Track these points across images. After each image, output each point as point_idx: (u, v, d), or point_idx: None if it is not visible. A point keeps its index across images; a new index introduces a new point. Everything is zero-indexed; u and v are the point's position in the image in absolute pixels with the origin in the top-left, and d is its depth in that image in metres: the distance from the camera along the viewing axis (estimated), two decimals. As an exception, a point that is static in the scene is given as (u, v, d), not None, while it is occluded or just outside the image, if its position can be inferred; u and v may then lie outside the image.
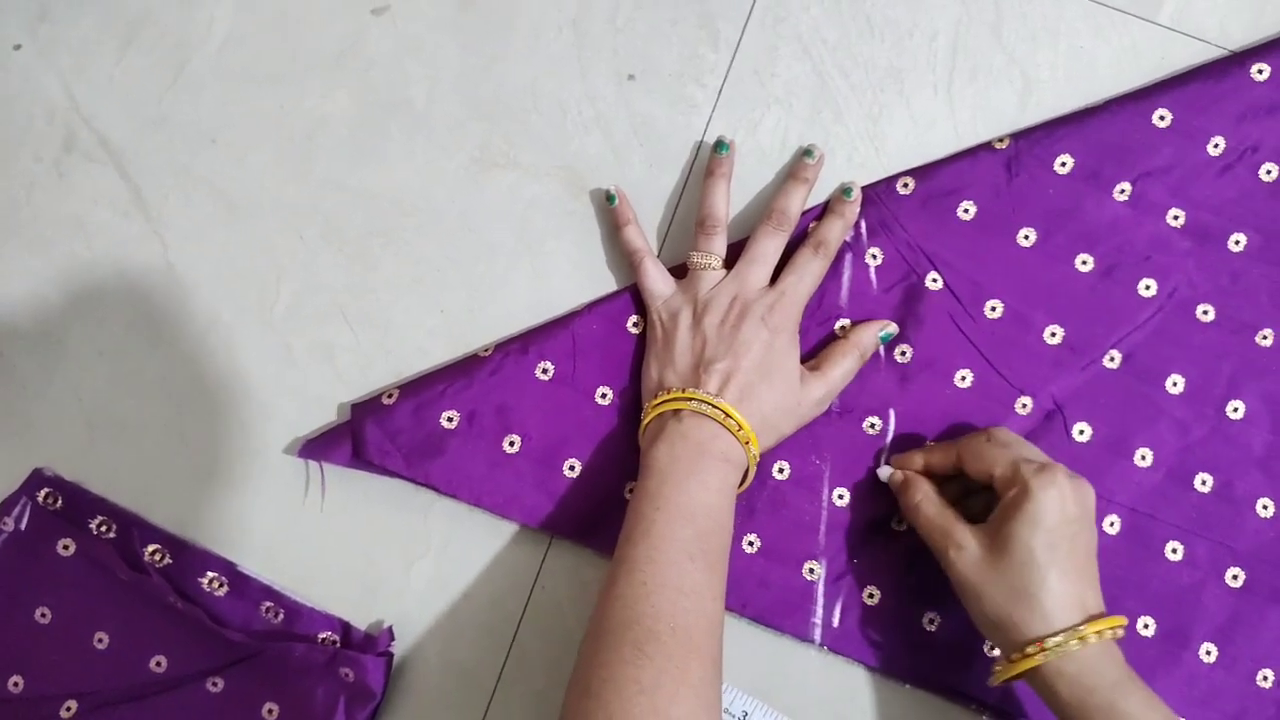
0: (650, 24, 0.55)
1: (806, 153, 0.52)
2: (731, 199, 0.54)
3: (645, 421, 0.49)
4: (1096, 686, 0.43)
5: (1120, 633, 0.44)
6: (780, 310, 0.49)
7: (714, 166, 0.52)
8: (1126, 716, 0.42)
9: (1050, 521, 0.44)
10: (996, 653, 0.52)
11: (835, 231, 0.52)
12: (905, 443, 0.53)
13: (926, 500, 0.49)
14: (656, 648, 0.41)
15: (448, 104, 0.55)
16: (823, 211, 0.53)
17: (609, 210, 0.53)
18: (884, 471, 0.52)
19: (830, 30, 0.55)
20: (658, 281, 0.52)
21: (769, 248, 0.51)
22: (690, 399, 0.47)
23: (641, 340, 0.53)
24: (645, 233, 0.53)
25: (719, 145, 0.52)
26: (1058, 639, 0.43)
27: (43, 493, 0.54)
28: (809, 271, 0.51)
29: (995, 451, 0.47)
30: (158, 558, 0.53)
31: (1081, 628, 0.43)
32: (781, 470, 0.53)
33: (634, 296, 0.53)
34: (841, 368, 0.51)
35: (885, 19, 0.54)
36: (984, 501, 0.49)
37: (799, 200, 0.52)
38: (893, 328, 0.52)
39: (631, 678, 0.41)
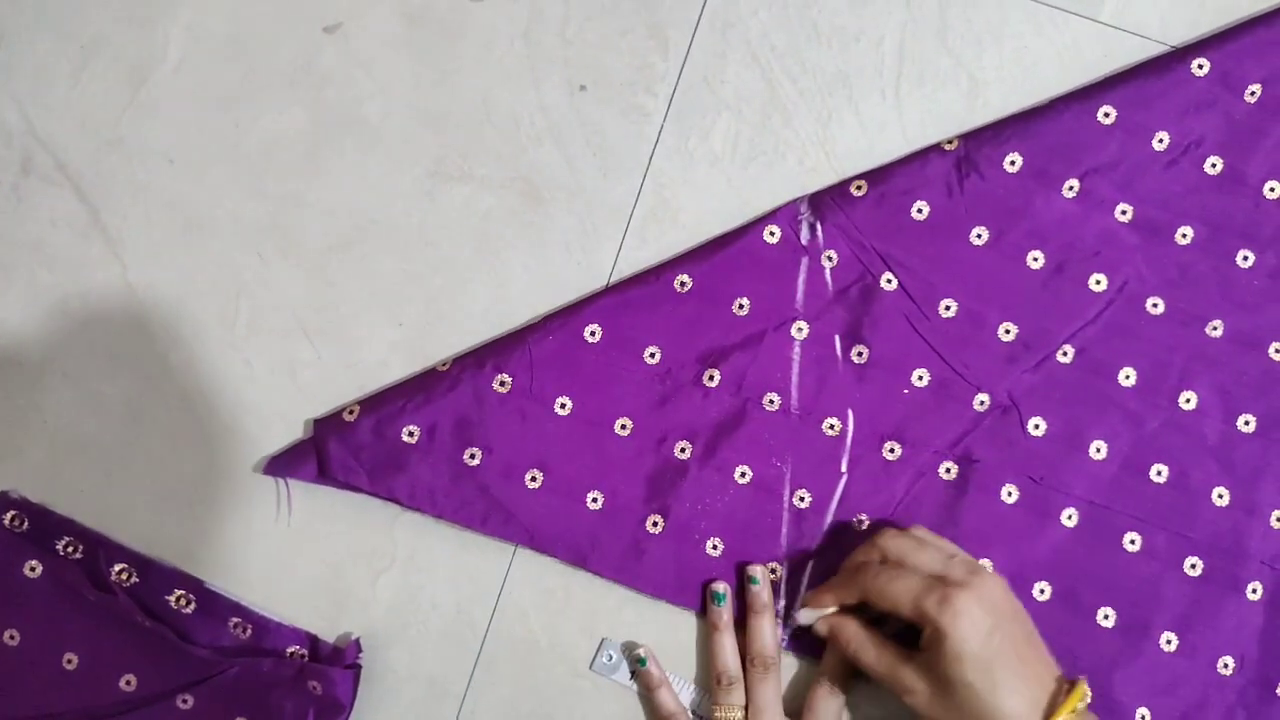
0: (600, 34, 0.55)
1: (750, 579, 0.52)
2: (689, 205, 0.55)
3: None
4: None
5: (1083, 706, 0.45)
6: None
7: (715, 620, 0.52)
8: None
9: (972, 649, 0.44)
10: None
11: (766, 633, 0.52)
12: (866, 444, 0.53)
13: (861, 647, 0.49)
14: None
15: (401, 119, 0.55)
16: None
17: (641, 672, 0.53)
18: (805, 616, 0.51)
19: (778, 37, 0.55)
20: None
21: (768, 694, 0.51)
22: None
23: (597, 350, 0.53)
24: (676, 694, 0.53)
25: (716, 597, 0.52)
26: None
27: (8, 515, 0.54)
28: (828, 711, 0.51)
29: (893, 589, 0.47)
30: (124, 577, 0.53)
31: None
32: (744, 475, 0.53)
33: (592, 307, 0.54)
34: None
35: (832, 25, 0.55)
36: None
37: (770, 632, 0.52)
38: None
39: None
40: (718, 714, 0.51)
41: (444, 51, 0.55)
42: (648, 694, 0.53)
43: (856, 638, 0.49)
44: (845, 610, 0.50)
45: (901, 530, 0.50)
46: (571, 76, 0.55)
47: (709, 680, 0.53)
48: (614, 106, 0.55)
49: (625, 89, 0.55)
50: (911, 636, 0.48)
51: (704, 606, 0.53)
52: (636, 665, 0.53)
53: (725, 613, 0.52)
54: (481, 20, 0.55)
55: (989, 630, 0.45)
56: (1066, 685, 0.46)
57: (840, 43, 0.55)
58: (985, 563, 0.52)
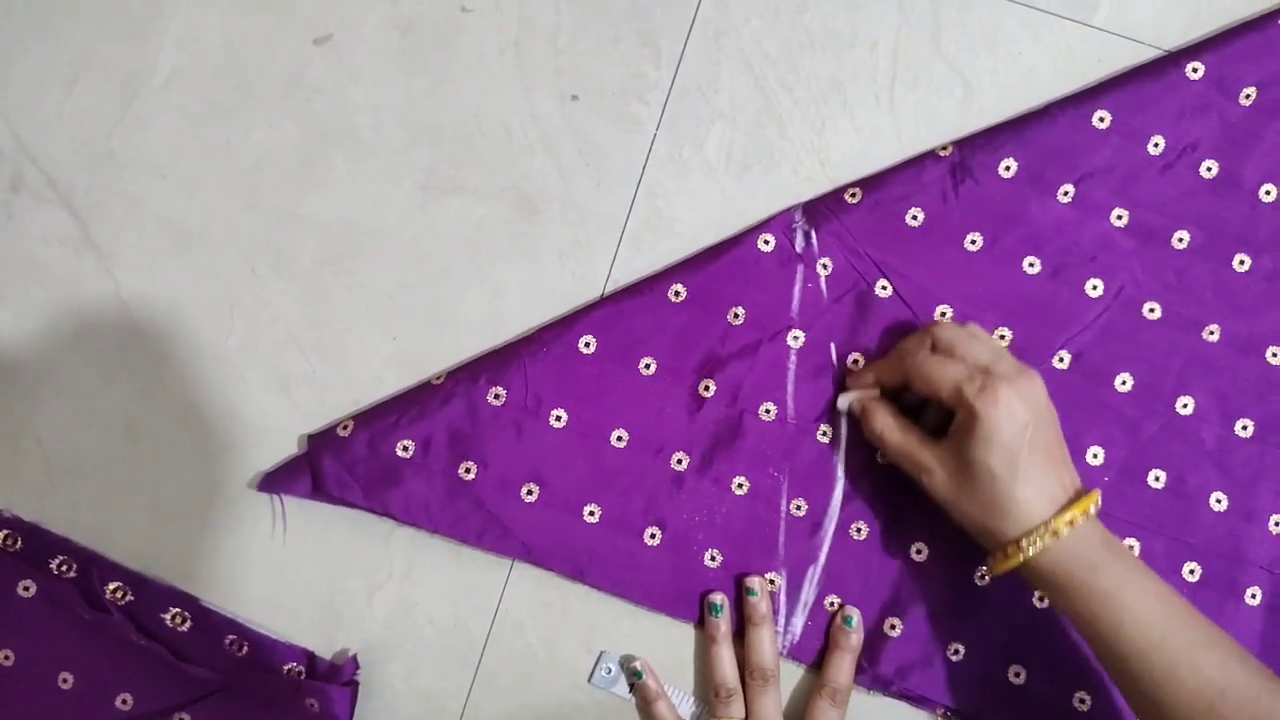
0: (592, 43, 0.55)
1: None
2: (683, 214, 0.54)
3: None
4: (1073, 572, 0.45)
5: (1093, 510, 0.45)
6: None
7: (713, 632, 0.52)
8: (1104, 594, 0.44)
9: (1003, 438, 0.45)
10: (959, 656, 0.52)
11: (846, 671, 0.52)
12: (862, 452, 0.53)
13: (888, 429, 0.50)
14: None
15: (393, 130, 0.55)
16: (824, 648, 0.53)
17: (639, 685, 0.53)
18: (843, 401, 0.52)
19: (771, 44, 0.55)
20: None
21: (768, 706, 0.51)
22: None
23: (592, 362, 0.53)
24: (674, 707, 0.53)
25: (713, 608, 0.52)
26: (1030, 538, 0.45)
27: (2, 534, 0.53)
28: None
29: (937, 371, 0.47)
30: (119, 595, 0.53)
31: (1052, 522, 0.45)
32: (740, 485, 0.53)
33: (585, 319, 0.53)
34: None
35: (825, 31, 0.55)
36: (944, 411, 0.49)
37: (770, 644, 0.52)
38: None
39: None
40: None
41: (435, 62, 0.55)
42: (645, 706, 0.53)
43: (885, 419, 0.50)
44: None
45: (958, 324, 0.50)
46: (563, 86, 0.55)
47: (707, 692, 0.52)
48: (607, 116, 0.55)
49: (618, 98, 0.55)
50: (941, 433, 0.49)
51: (702, 618, 0.53)
52: (633, 678, 0.53)
53: (723, 624, 0.52)
54: (472, 30, 0.55)
55: (1024, 424, 0.45)
56: (1083, 492, 0.46)
57: (834, 49, 0.55)
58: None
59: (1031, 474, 0.45)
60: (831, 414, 0.53)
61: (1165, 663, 0.43)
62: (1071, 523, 0.45)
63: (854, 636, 0.52)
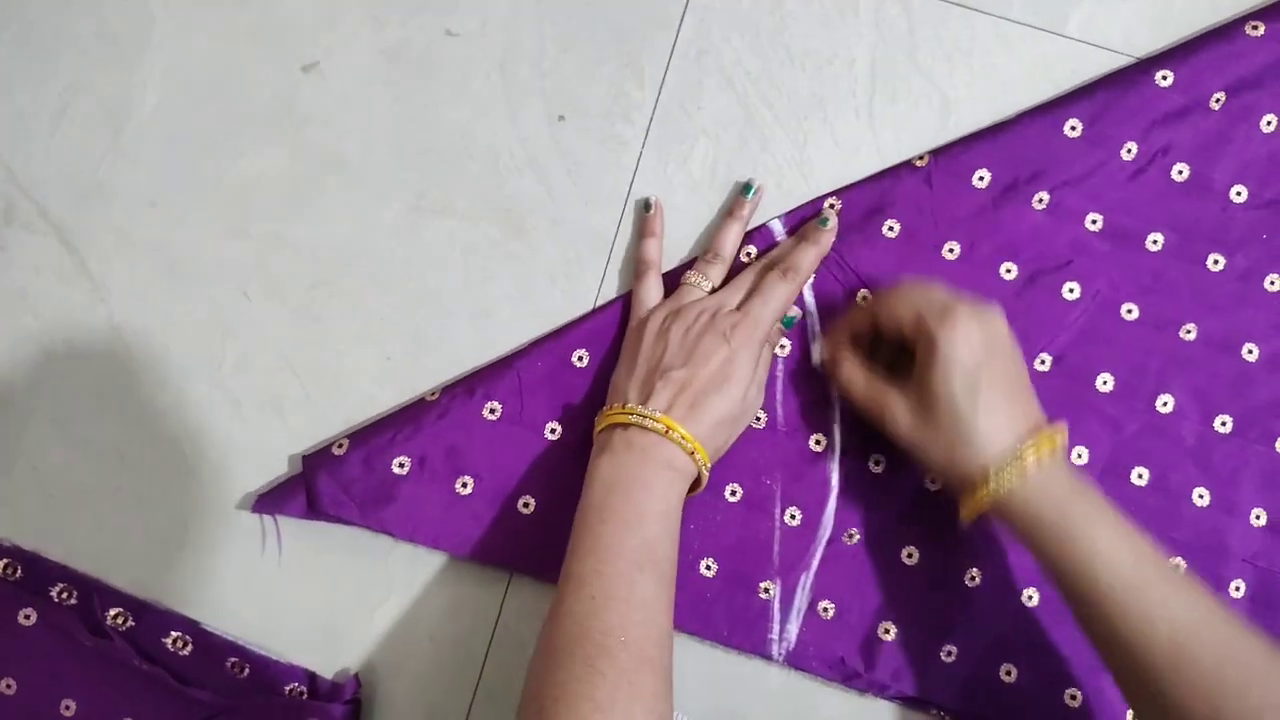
0: (576, 65, 0.56)
1: (822, 221, 0.54)
2: (670, 230, 0.55)
3: (596, 431, 0.50)
4: (1042, 513, 0.45)
5: (1059, 442, 0.46)
6: (743, 329, 0.50)
7: (735, 208, 0.54)
8: (1075, 536, 0.44)
9: (962, 364, 0.45)
10: (951, 658, 0.53)
11: (808, 258, 0.53)
12: (853, 458, 0.54)
13: (854, 376, 0.50)
14: (609, 663, 0.42)
15: (381, 155, 0.56)
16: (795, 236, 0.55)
17: (642, 217, 0.55)
18: (815, 354, 0.54)
19: (752, 62, 0.56)
20: (651, 292, 0.53)
21: (758, 283, 0.52)
22: (632, 413, 0.48)
23: (586, 374, 0.54)
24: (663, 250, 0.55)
25: (746, 188, 0.54)
26: (996, 471, 0.45)
27: (1, 563, 0.54)
28: (775, 295, 0.51)
29: (900, 306, 0.48)
30: (120, 621, 0.53)
31: (1021, 452, 0.45)
32: (734, 493, 0.54)
33: (578, 331, 0.54)
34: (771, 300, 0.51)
35: (804, 48, 0.56)
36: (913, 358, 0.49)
37: (809, 257, 0.53)
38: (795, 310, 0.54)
39: (585, 695, 0.41)
40: (689, 275, 0.53)
41: (421, 86, 0.56)
42: (637, 238, 0.55)
43: (851, 367, 0.51)
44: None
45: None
46: (549, 107, 0.56)
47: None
48: (593, 136, 0.56)
49: (603, 118, 0.56)
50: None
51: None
52: (642, 209, 0.55)
53: (747, 206, 0.54)
54: (458, 54, 0.56)
55: (983, 352, 0.46)
56: (1048, 428, 0.46)
57: (813, 65, 0.56)
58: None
59: (993, 403, 0.46)
60: (823, 422, 0.54)
61: (1138, 605, 0.43)
62: (1039, 454, 0.45)
63: (825, 236, 0.53)
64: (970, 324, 0.46)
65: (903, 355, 0.50)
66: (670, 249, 0.56)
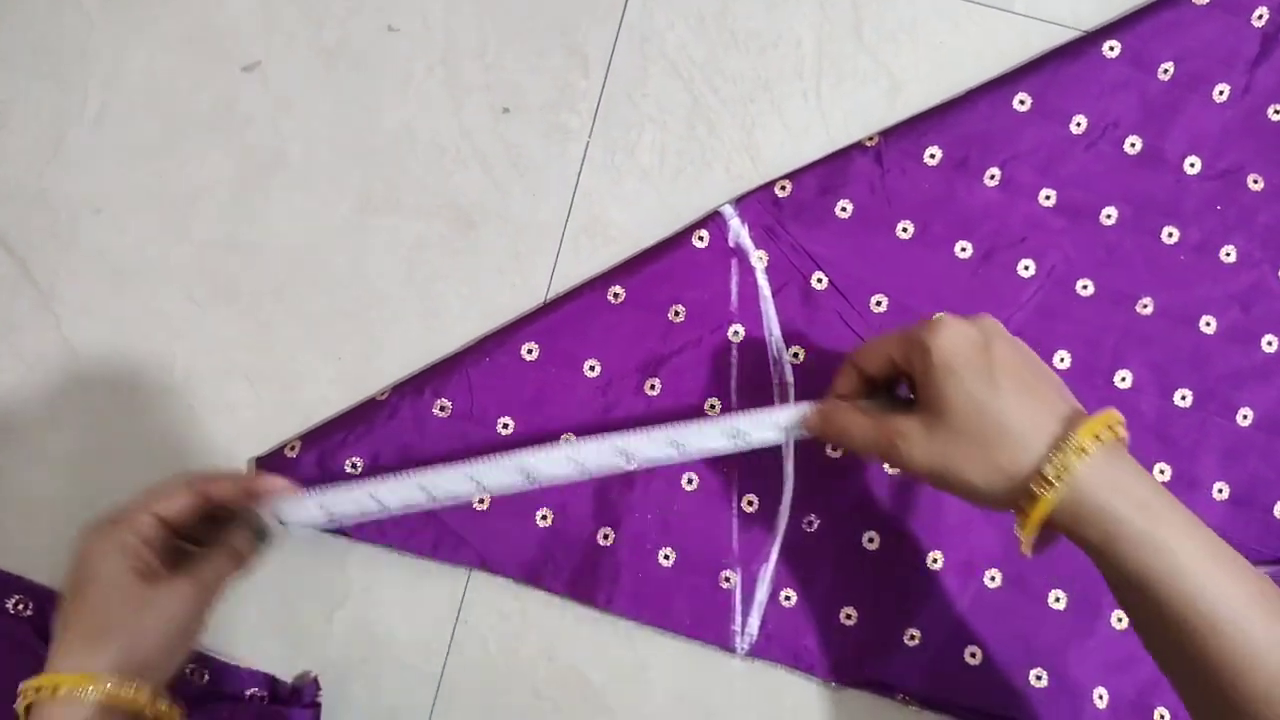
0: (518, 56, 0.56)
1: None
2: (620, 219, 0.55)
3: None
4: (1120, 512, 0.37)
5: (1121, 431, 0.38)
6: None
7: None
8: (1167, 548, 0.36)
9: (963, 358, 0.39)
10: (915, 642, 0.53)
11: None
12: (810, 444, 0.54)
13: (850, 420, 0.43)
14: None
15: (325, 154, 0.55)
16: None
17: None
18: (794, 432, 0.47)
19: (697, 48, 0.56)
20: None
21: None
22: None
23: (535, 367, 0.53)
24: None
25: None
26: (1053, 462, 0.37)
27: (-43, 578, 0.53)
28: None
29: (884, 340, 0.43)
30: (78, 632, 0.53)
31: (1076, 432, 0.37)
32: (690, 481, 0.54)
33: (527, 326, 0.54)
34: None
35: (748, 31, 0.56)
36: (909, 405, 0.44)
37: None
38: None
39: None
40: None
41: (363, 84, 0.56)
42: None
43: (843, 415, 0.44)
44: None
45: None
46: (493, 100, 0.56)
47: None
48: (538, 127, 0.56)
49: (548, 109, 0.56)
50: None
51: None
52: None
53: None
54: (398, 50, 0.56)
55: (979, 344, 0.39)
56: (1099, 413, 0.38)
57: (758, 48, 0.56)
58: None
59: (1017, 388, 0.38)
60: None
61: (1242, 642, 0.35)
62: (1099, 436, 0.37)
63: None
64: (960, 321, 0.40)
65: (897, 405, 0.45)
66: (622, 241, 0.55)
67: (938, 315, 0.42)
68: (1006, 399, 0.38)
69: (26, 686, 0.41)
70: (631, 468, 0.48)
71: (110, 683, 0.41)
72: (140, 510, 0.44)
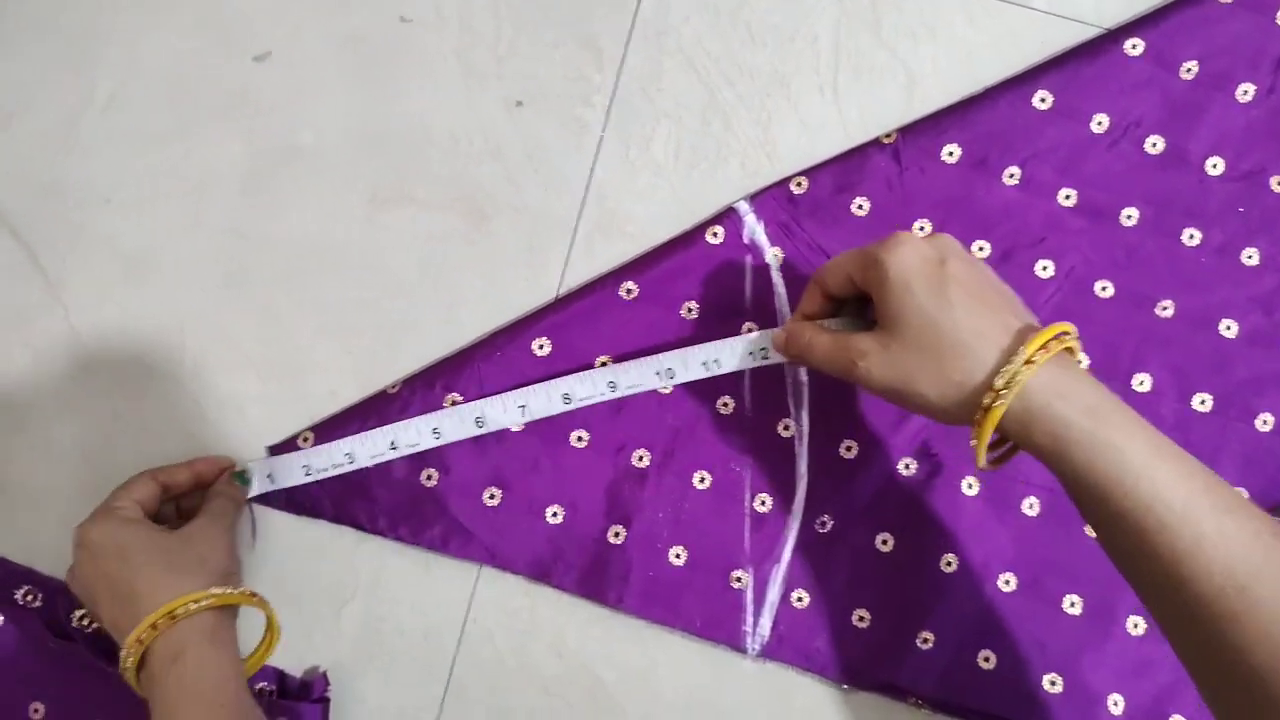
0: (533, 48, 0.55)
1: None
2: (634, 214, 0.54)
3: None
4: (1070, 414, 0.38)
5: (1071, 342, 0.40)
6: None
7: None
8: (1114, 448, 0.37)
9: (917, 273, 0.40)
10: (928, 645, 0.52)
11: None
12: (824, 444, 0.53)
13: (813, 339, 0.45)
14: None
15: (338, 145, 0.55)
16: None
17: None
18: (772, 354, 0.49)
19: (712, 42, 0.55)
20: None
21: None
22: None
23: (547, 364, 0.53)
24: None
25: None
26: (1003, 369, 0.38)
27: (-35, 568, 0.53)
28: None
29: (843, 261, 0.44)
30: (86, 623, 0.53)
31: (1025, 342, 0.38)
32: (703, 480, 0.53)
33: (540, 320, 0.53)
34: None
35: (765, 25, 0.55)
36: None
37: None
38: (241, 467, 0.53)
39: None
40: None
41: (377, 74, 0.55)
42: None
43: (806, 334, 0.45)
44: None
45: None
46: (508, 93, 0.55)
47: None
48: (552, 120, 0.55)
49: (562, 102, 0.55)
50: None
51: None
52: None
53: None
54: (413, 41, 0.55)
55: (933, 260, 0.40)
56: (1053, 325, 0.40)
57: (775, 43, 0.55)
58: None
59: (971, 299, 0.40)
60: (791, 408, 0.53)
61: (1191, 537, 0.36)
62: (1046, 346, 0.38)
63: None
64: (915, 240, 0.41)
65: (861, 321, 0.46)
66: (636, 236, 0.55)
67: (896, 232, 0.42)
68: (958, 313, 0.40)
69: (134, 636, 0.44)
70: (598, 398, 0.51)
71: (214, 587, 0.46)
72: (120, 497, 0.49)
